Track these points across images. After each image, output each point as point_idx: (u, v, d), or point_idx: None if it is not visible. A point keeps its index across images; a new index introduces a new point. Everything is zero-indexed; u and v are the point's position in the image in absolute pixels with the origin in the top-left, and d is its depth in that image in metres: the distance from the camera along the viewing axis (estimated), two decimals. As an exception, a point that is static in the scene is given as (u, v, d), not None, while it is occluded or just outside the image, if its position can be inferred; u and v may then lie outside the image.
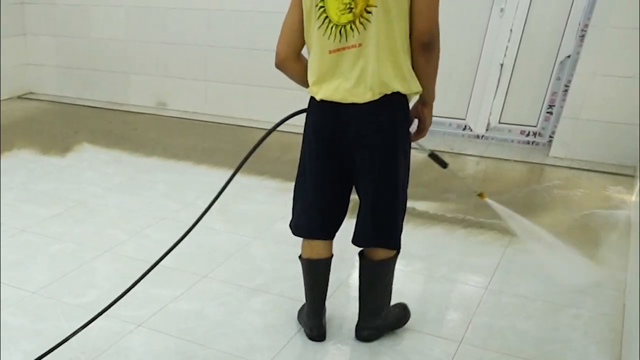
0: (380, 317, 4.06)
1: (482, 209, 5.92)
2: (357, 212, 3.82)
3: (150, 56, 9.38)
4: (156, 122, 9.00)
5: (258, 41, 8.45)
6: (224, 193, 5.88)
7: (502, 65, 7.63)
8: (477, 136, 8.01)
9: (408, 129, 3.64)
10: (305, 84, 3.70)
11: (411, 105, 3.65)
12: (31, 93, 10.48)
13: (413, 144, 3.78)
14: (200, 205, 5.92)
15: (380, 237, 3.81)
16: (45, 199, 6.15)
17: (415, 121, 3.73)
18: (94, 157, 7.44)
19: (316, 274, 4.06)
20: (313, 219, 3.91)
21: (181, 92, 9.33)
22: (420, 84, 3.49)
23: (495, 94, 7.73)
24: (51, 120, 9.08)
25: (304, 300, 4.25)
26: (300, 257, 4.08)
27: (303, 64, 3.67)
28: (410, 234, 5.07)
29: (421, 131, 3.74)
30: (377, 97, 3.43)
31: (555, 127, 7.41)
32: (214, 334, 4.11)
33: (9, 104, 9.87)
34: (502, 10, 7.43)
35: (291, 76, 3.75)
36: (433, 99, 3.64)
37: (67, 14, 9.78)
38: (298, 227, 3.99)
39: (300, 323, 4.24)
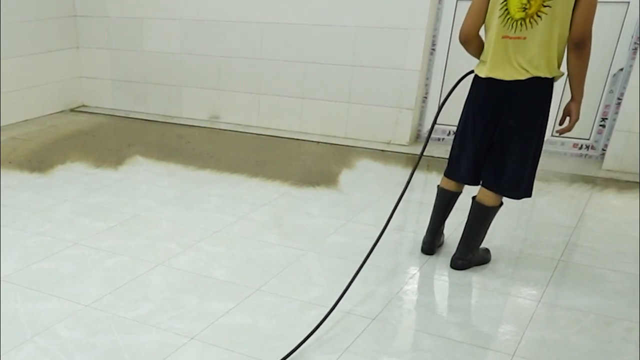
0: (473, 252, 5.08)
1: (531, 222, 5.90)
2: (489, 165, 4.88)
3: (203, 69, 9.46)
4: (209, 135, 9.06)
5: (311, 54, 8.47)
6: (278, 206, 5.94)
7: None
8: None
9: (550, 104, 4.67)
10: (479, 57, 4.80)
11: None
12: (84, 106, 10.59)
13: None
14: (254, 219, 5.98)
15: (514, 188, 4.88)
16: (99, 212, 6.20)
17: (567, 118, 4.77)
18: (147, 170, 7.50)
19: (444, 201, 5.23)
20: (467, 167, 4.99)
21: (234, 105, 9.39)
22: (570, 80, 4.55)
23: (548, 106, 7.68)
24: (104, 133, 9.16)
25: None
26: (438, 186, 5.26)
27: (481, 40, 4.74)
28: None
29: (570, 125, 4.75)
30: (531, 76, 4.49)
31: (608, 140, 7.39)
32: (267, 347, 4.11)
33: (63, 117, 9.99)
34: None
35: (471, 49, 4.79)
36: (581, 96, 4.63)
37: (120, 27, 9.88)
38: (453, 171, 5.12)
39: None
